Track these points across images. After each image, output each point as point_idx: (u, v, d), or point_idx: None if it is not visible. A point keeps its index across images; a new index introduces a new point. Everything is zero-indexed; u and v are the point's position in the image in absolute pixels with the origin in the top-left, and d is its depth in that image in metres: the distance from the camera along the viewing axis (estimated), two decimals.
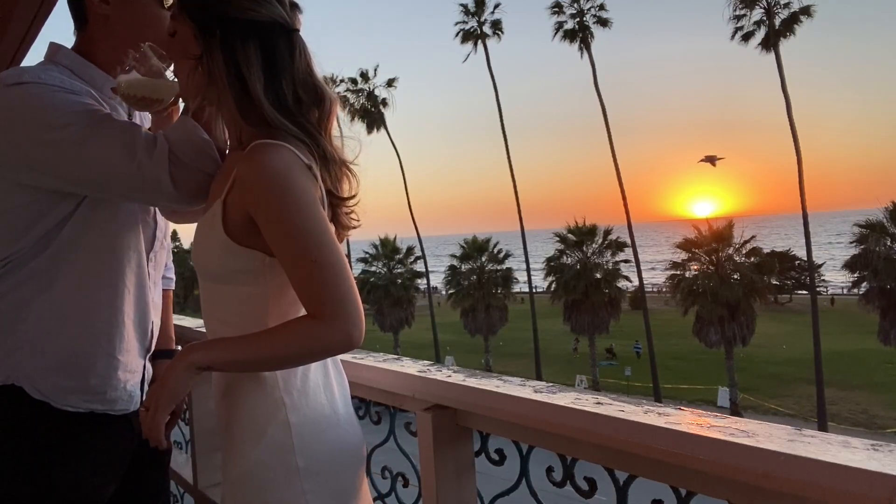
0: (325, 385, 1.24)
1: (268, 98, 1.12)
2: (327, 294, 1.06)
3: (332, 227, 1.13)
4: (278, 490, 1.15)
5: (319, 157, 1.15)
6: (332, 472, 1.19)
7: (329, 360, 1.27)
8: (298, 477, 1.15)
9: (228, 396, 1.21)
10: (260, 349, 1.10)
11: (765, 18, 28.90)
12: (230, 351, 1.11)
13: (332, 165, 1.19)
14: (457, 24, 36.86)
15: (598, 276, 32.58)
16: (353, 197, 1.25)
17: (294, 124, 1.14)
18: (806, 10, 28.43)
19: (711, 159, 33.43)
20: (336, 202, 1.23)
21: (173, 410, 1.32)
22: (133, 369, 1.46)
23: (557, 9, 33.32)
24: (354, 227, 1.28)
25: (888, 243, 27.02)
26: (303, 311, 1.11)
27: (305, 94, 1.16)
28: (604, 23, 33.21)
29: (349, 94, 40.79)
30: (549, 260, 34.29)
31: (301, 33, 1.19)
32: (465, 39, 36.71)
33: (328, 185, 1.19)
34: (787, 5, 28.64)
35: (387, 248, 39.85)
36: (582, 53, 33.35)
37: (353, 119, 40.71)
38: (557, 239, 34.08)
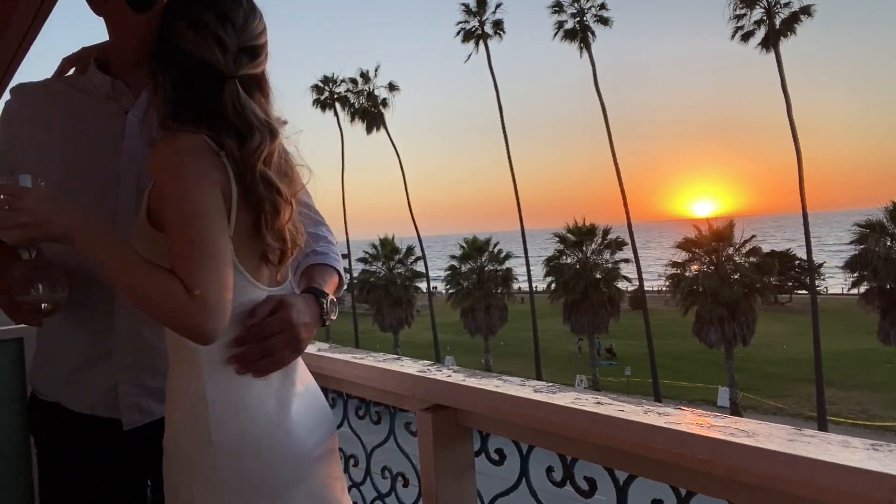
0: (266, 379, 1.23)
1: (173, 118, 1.18)
2: (194, 274, 1.07)
3: (221, 219, 1.13)
4: (191, 462, 1.20)
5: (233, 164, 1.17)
6: (254, 459, 1.19)
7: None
8: (212, 451, 1.17)
9: (170, 362, 1.25)
10: (131, 275, 1.11)
11: (765, 18, 28.91)
12: (109, 256, 1.13)
13: (254, 184, 1.17)
14: (458, 23, 36.93)
15: (598, 275, 32.57)
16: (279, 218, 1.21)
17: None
18: (806, 10, 28.46)
19: None
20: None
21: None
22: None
23: (558, 8, 33.34)
24: (286, 250, 1.25)
25: (888, 243, 27.02)
26: None
27: (228, 128, 1.18)
28: (604, 22, 33.24)
29: (349, 95, 40.81)
30: (548, 260, 34.29)
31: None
32: (466, 39, 36.75)
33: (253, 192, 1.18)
34: (787, 5, 28.67)
35: (386, 248, 39.86)
36: (582, 53, 33.41)
37: (353, 119, 40.83)
38: (557, 239, 34.08)
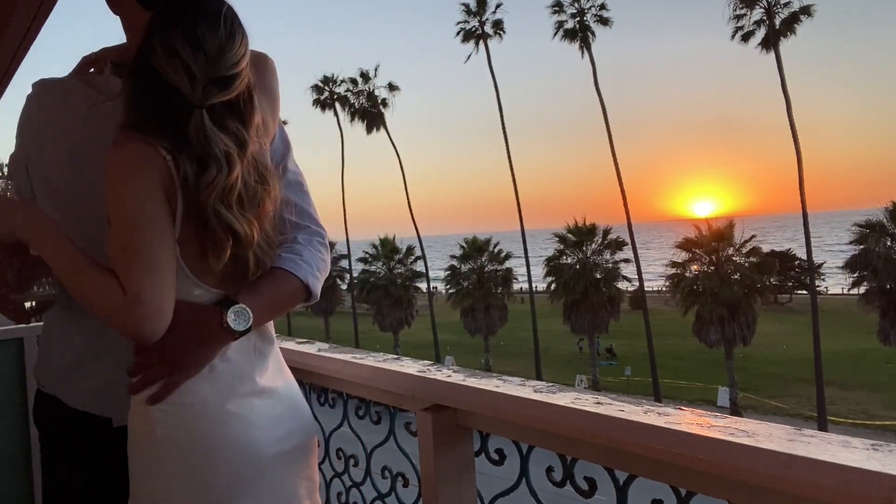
0: (216, 368, 1.23)
1: (133, 126, 1.17)
2: (128, 277, 1.10)
3: (161, 223, 1.13)
4: (141, 454, 1.22)
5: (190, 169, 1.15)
6: (203, 457, 1.19)
7: (236, 351, 1.26)
8: (156, 446, 1.19)
9: None
10: (73, 272, 1.15)
11: (765, 18, 28.92)
12: (56, 254, 1.17)
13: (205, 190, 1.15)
14: (458, 23, 36.94)
15: (598, 275, 32.58)
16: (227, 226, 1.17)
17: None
18: (806, 10, 28.46)
19: None
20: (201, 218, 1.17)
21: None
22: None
23: (558, 8, 33.34)
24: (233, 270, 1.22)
25: (888, 243, 27.02)
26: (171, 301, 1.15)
27: (189, 152, 1.17)
28: (604, 22, 33.25)
29: (349, 95, 40.82)
30: (548, 260, 34.30)
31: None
32: (466, 39, 36.76)
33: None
34: (787, 5, 28.68)
35: (386, 248, 39.88)
36: (582, 53, 33.42)
37: (352, 119, 40.85)
38: (557, 239, 34.09)
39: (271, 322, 1.38)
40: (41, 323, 1.52)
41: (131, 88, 1.20)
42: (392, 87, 40.35)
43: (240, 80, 1.19)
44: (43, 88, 1.46)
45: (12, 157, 1.43)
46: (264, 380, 1.29)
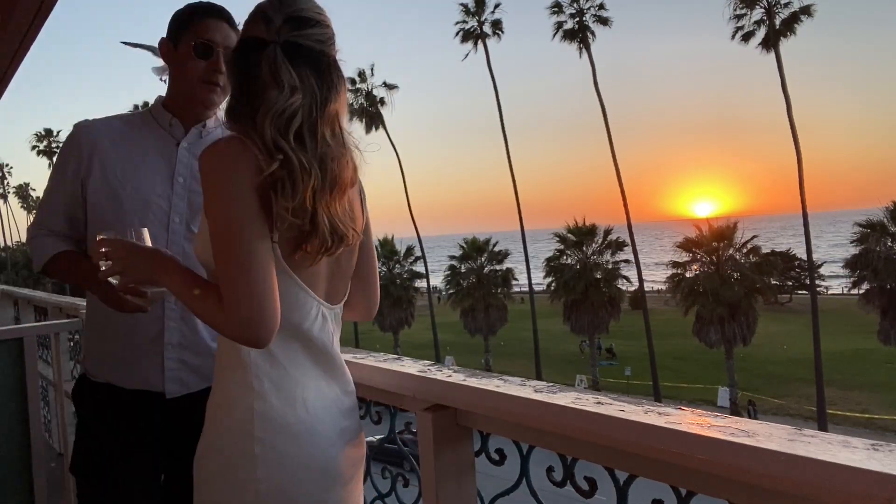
0: (309, 386, 1.27)
1: (227, 113, 1.28)
2: (228, 287, 1.14)
3: (256, 226, 1.15)
4: (231, 470, 1.22)
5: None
6: (293, 475, 1.22)
7: (325, 368, 1.31)
8: (253, 464, 1.20)
9: (216, 369, 1.32)
10: (189, 298, 1.22)
11: (765, 18, 28.90)
12: (176, 282, 1.25)
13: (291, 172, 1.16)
14: (457, 23, 36.92)
15: (598, 276, 32.57)
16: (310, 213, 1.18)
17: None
18: (806, 10, 28.44)
19: None
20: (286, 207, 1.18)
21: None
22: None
23: (557, 8, 33.32)
24: (321, 251, 1.22)
25: (888, 243, 27.02)
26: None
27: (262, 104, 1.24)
28: (604, 22, 33.23)
29: (348, 94, 40.78)
30: (548, 260, 34.28)
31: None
32: (465, 39, 36.74)
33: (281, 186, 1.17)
34: (787, 5, 28.66)
35: (386, 249, 39.87)
36: (581, 53, 33.40)
37: (351, 119, 40.75)
38: (557, 239, 34.07)
39: (337, 339, 1.40)
40: (42, 322, 1.61)
41: (230, 80, 1.28)
42: (389, 86, 40.34)
43: (319, 27, 1.24)
44: (85, 129, 1.72)
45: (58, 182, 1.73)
46: (344, 399, 1.35)
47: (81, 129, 1.72)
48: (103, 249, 1.34)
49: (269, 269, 1.15)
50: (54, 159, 1.84)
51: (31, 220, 1.88)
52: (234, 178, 1.14)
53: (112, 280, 1.37)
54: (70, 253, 1.73)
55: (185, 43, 1.66)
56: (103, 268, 1.36)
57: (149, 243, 1.41)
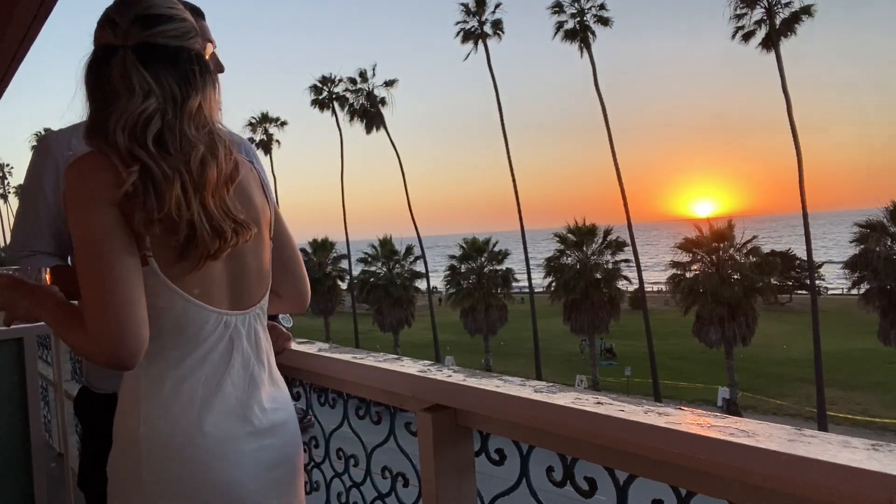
0: (208, 406, 1.21)
1: (84, 133, 1.20)
2: (86, 311, 1.09)
3: (116, 243, 1.09)
4: (123, 493, 1.22)
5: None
6: (181, 499, 1.18)
7: (233, 383, 1.25)
8: (142, 488, 1.18)
9: (120, 392, 1.28)
10: (58, 327, 1.19)
11: (765, 18, 28.92)
12: (48, 313, 1.22)
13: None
14: (457, 23, 36.94)
15: (598, 276, 32.58)
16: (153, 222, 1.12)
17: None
18: (806, 10, 28.47)
19: None
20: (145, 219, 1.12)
21: None
22: None
23: (558, 8, 33.34)
24: (198, 253, 1.17)
25: (888, 243, 27.02)
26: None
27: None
28: (604, 22, 33.24)
29: (348, 94, 40.81)
30: (548, 260, 34.29)
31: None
32: (465, 39, 36.76)
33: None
34: (787, 5, 28.68)
35: (386, 248, 39.87)
36: (582, 53, 33.41)
37: (351, 119, 40.87)
38: (557, 239, 34.08)
39: (268, 341, 1.37)
40: (41, 323, 1.60)
41: (85, 93, 1.18)
42: (388, 84, 40.33)
43: (172, 22, 1.18)
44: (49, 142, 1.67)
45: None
46: (260, 416, 1.28)
47: (50, 140, 1.65)
48: None
49: (132, 286, 1.09)
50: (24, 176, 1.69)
51: (8, 244, 1.76)
52: (90, 194, 1.09)
53: None
54: (62, 268, 1.62)
55: None
56: None
57: (47, 282, 1.37)
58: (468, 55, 36.82)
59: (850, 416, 26.38)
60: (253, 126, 45.22)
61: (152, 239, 1.13)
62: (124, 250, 1.10)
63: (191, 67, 1.18)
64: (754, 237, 30.86)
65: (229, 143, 1.22)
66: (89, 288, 1.08)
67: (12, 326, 1.43)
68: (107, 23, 1.17)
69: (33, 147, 1.84)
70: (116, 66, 1.13)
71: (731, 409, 27.19)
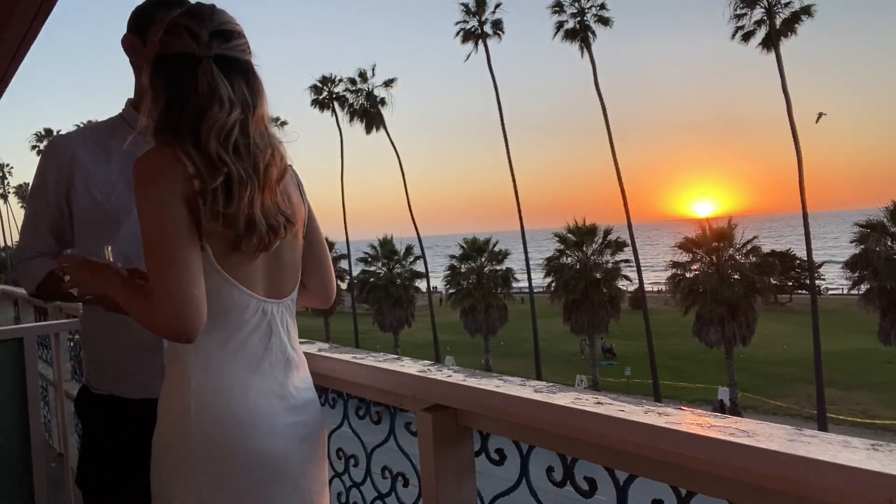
0: (249, 383, 1.32)
1: (154, 131, 1.32)
2: (154, 281, 1.21)
3: (184, 232, 1.22)
4: (174, 465, 1.30)
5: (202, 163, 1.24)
6: (232, 468, 1.28)
7: (270, 364, 1.36)
8: (192, 459, 1.28)
9: (166, 367, 1.39)
10: (125, 302, 1.30)
11: (765, 18, 28.91)
12: (117, 292, 1.32)
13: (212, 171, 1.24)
14: (457, 23, 36.94)
15: (598, 275, 32.57)
16: (232, 203, 1.25)
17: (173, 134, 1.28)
18: (806, 10, 28.47)
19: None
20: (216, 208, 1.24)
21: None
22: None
23: (558, 8, 33.33)
24: (262, 242, 1.29)
25: (888, 243, 27.02)
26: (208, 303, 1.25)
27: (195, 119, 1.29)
28: (604, 22, 33.24)
29: (348, 94, 40.81)
30: (548, 260, 34.28)
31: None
32: (465, 39, 36.76)
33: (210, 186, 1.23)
34: (787, 5, 28.68)
35: (386, 248, 39.86)
36: (582, 53, 33.41)
37: (351, 119, 40.86)
38: (557, 239, 34.07)
39: (296, 328, 1.48)
40: (42, 322, 1.64)
41: (151, 94, 1.31)
42: (388, 83, 40.32)
43: (240, 38, 1.32)
44: (55, 146, 1.72)
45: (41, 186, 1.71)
46: (294, 394, 1.40)
47: (57, 144, 1.71)
48: (64, 265, 1.46)
49: (195, 270, 1.22)
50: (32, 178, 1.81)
51: (15, 245, 1.90)
52: (165, 186, 1.21)
53: (73, 291, 1.49)
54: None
55: (156, 35, 1.52)
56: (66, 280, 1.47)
57: (110, 260, 1.48)
58: (468, 55, 36.87)
59: (850, 419, 26.35)
60: None
61: (209, 229, 1.25)
62: (189, 237, 1.22)
63: (256, 79, 1.32)
64: (754, 237, 30.85)
65: (279, 145, 1.35)
66: (159, 269, 1.20)
67: (85, 298, 1.55)
68: (185, 32, 1.28)
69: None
70: (203, 76, 1.25)
71: (726, 410, 27.16)
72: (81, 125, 1.78)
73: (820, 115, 34.20)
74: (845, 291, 43.10)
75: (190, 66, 1.26)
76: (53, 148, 1.70)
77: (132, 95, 1.76)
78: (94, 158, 1.68)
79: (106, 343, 1.72)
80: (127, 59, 1.72)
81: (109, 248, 1.49)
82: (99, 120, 1.80)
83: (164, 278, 1.19)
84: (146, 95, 1.38)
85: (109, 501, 1.68)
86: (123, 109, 1.76)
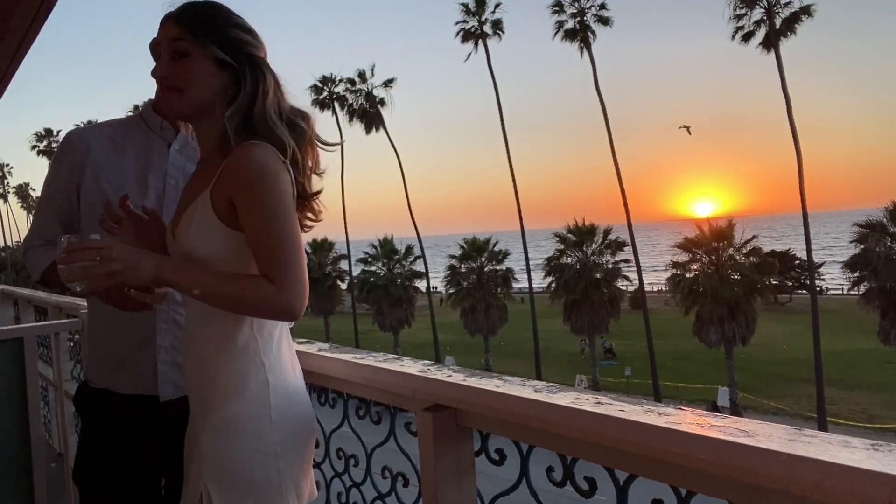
0: (291, 361, 1.48)
1: (238, 130, 1.40)
2: (283, 266, 1.27)
3: (296, 215, 1.35)
4: (255, 437, 1.37)
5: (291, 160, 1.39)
6: (296, 433, 1.42)
7: (288, 344, 1.48)
8: (272, 429, 1.37)
9: (205, 357, 1.41)
10: (221, 287, 1.30)
11: (765, 18, 28.90)
12: (198, 278, 1.31)
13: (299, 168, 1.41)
14: (457, 23, 36.92)
15: (598, 275, 32.55)
16: (319, 193, 1.47)
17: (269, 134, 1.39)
18: (806, 10, 28.44)
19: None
20: (305, 197, 1.44)
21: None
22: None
23: (558, 8, 33.32)
24: (318, 221, 1.49)
25: (888, 243, 27.01)
26: None
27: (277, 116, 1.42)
28: (605, 22, 33.22)
29: (348, 95, 40.80)
30: (548, 260, 34.26)
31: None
32: (465, 39, 36.73)
33: (299, 181, 1.41)
34: (787, 5, 28.66)
35: (386, 248, 39.84)
36: (582, 53, 33.38)
37: (351, 119, 40.84)
38: (557, 239, 34.06)
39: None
40: (42, 322, 1.63)
41: (231, 89, 1.40)
42: (387, 83, 40.30)
43: None
44: (75, 137, 1.75)
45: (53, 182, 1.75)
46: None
47: (73, 136, 1.74)
48: (102, 247, 1.28)
49: None
50: (47, 169, 1.85)
51: (27, 231, 1.90)
52: (283, 178, 1.32)
53: (78, 284, 1.29)
54: None
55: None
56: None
57: None
58: (468, 55, 36.84)
59: (850, 422, 26.32)
60: None
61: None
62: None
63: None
64: (754, 237, 30.82)
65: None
66: (291, 254, 1.28)
67: (132, 291, 1.37)
68: (249, 34, 1.42)
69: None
70: (271, 75, 1.41)
71: (720, 412, 27.15)
72: (82, 125, 1.78)
73: (684, 127, 36.04)
74: (845, 291, 43.08)
75: (262, 67, 1.41)
76: (69, 140, 1.74)
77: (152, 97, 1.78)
78: (107, 153, 1.71)
79: (105, 337, 1.75)
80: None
81: (99, 237, 1.36)
82: (112, 118, 1.83)
83: (296, 262, 1.28)
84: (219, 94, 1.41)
85: (106, 498, 1.69)
86: (142, 110, 1.80)
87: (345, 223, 42.83)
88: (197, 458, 1.40)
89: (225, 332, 1.37)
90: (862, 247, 27.36)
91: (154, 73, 1.43)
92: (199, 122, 1.46)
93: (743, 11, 29.33)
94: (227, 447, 1.37)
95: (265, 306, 1.28)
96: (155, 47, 1.46)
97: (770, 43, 28.80)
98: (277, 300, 1.26)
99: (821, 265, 48.20)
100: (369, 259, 40.36)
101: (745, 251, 30.07)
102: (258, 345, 1.39)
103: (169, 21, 1.42)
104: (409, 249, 39.97)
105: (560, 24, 33.46)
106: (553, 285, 33.84)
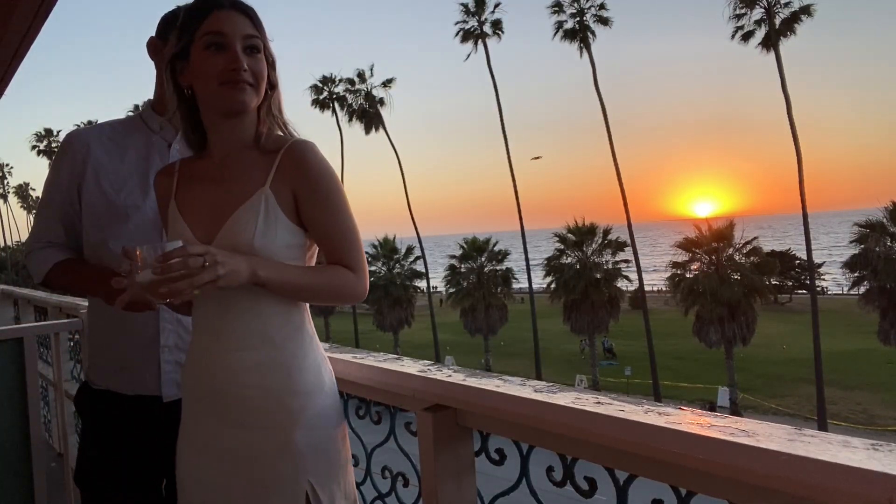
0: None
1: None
2: (359, 254, 1.39)
3: None
4: (336, 426, 1.44)
5: None
6: (342, 416, 1.51)
7: None
8: (337, 410, 1.46)
9: (281, 350, 1.37)
10: (311, 279, 1.35)
11: (765, 18, 28.89)
12: (288, 274, 1.33)
13: None
14: (457, 23, 36.92)
15: (598, 275, 32.54)
16: None
17: None
18: (806, 10, 28.44)
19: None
20: None
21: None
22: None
23: (557, 8, 33.31)
24: None
25: (888, 243, 27.00)
26: None
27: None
28: (604, 22, 33.21)
29: (347, 95, 40.79)
30: (548, 260, 34.25)
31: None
32: (465, 39, 36.72)
33: None
34: (787, 4, 28.66)
35: (386, 248, 39.84)
36: (582, 53, 33.38)
37: (350, 119, 40.83)
38: (557, 239, 34.05)
39: None
40: (42, 322, 1.63)
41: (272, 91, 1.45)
42: (386, 83, 40.29)
43: None
44: (76, 138, 1.75)
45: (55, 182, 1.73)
46: None
47: (73, 137, 1.74)
48: (199, 251, 1.21)
49: None
50: (48, 170, 1.85)
51: (29, 233, 1.90)
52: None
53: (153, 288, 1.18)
54: (70, 261, 1.73)
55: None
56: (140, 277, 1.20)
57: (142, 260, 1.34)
58: (468, 55, 36.85)
59: (850, 425, 26.31)
60: None
61: None
62: None
63: None
64: (754, 237, 30.81)
65: None
66: (359, 244, 1.39)
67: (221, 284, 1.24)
68: (263, 28, 1.44)
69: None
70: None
71: (720, 411, 27.15)
72: (81, 125, 1.76)
73: (535, 157, 36.99)
74: (845, 291, 43.07)
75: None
76: (69, 141, 1.74)
77: (147, 97, 1.80)
78: (108, 154, 1.71)
79: (107, 338, 1.74)
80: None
81: (144, 248, 1.20)
82: (112, 119, 1.83)
83: (363, 251, 1.40)
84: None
85: (107, 499, 1.69)
86: (142, 110, 1.80)
87: None
88: (288, 456, 1.34)
89: (295, 326, 1.40)
90: (862, 247, 27.35)
91: (231, 66, 1.32)
92: (243, 118, 1.40)
93: (743, 11, 29.34)
94: (321, 440, 1.39)
95: (348, 292, 1.36)
96: (221, 37, 1.34)
97: (770, 43, 28.80)
98: (358, 286, 1.37)
99: (821, 265, 48.19)
100: (369, 259, 40.25)
101: (745, 251, 30.05)
102: (305, 338, 1.42)
103: (242, 15, 1.36)
104: (409, 249, 39.97)
105: (560, 25, 33.46)
106: (553, 285, 33.83)
